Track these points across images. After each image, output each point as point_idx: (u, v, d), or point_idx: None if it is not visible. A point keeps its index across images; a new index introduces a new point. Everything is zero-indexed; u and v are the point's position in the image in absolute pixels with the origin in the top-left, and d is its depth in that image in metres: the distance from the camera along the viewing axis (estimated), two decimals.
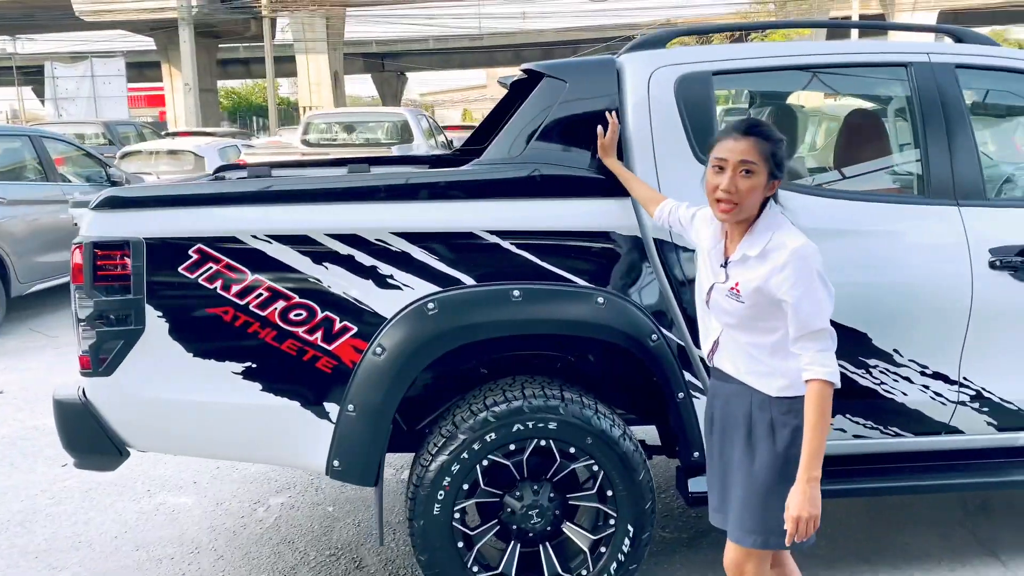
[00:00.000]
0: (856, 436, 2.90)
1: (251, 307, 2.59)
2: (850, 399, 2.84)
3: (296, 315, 2.60)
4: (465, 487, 2.70)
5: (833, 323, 2.69)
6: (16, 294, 7.45)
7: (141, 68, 44.85)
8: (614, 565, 2.78)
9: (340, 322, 2.61)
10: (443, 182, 2.76)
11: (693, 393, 2.74)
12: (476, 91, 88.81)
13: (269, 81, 33.45)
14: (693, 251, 2.53)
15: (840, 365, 2.77)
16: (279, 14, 36.42)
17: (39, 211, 7.82)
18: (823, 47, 3.08)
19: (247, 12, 36.36)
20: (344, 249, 2.61)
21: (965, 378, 2.87)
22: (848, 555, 3.26)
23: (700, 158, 2.68)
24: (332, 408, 2.64)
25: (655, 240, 2.72)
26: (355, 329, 2.61)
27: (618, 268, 2.73)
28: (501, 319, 2.67)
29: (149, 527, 3.67)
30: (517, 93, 3.93)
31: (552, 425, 2.68)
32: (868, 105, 3.74)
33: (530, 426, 2.68)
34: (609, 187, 2.73)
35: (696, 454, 2.77)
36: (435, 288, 2.63)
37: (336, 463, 2.66)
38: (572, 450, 2.72)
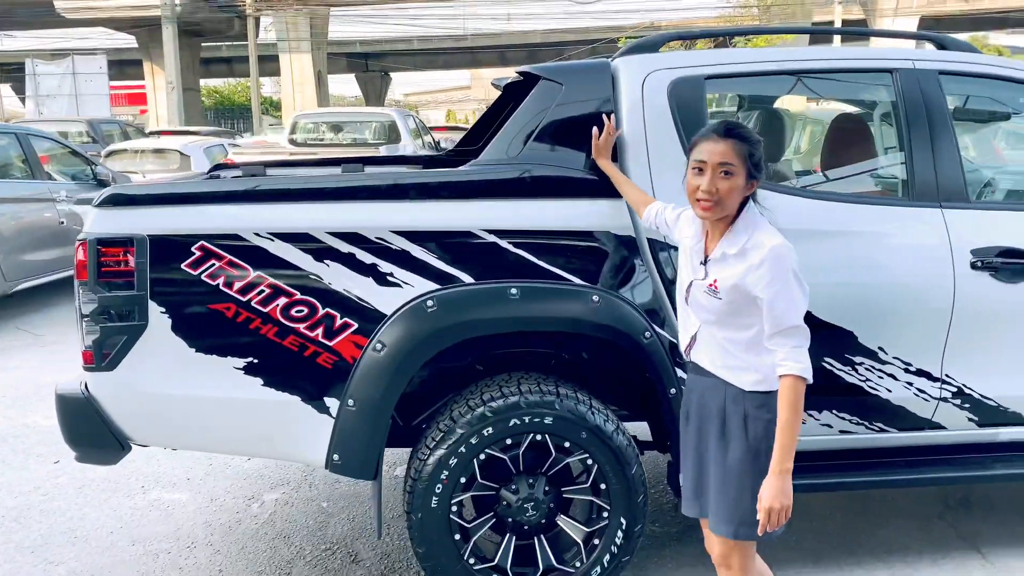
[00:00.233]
0: (842, 431, 2.98)
1: (253, 303, 2.63)
2: (837, 395, 2.92)
3: (297, 312, 2.64)
4: (462, 480, 2.76)
5: (820, 321, 2.81)
6: (2, 293, 7.43)
7: (122, 66, 44.50)
8: (607, 557, 2.85)
9: (341, 319, 2.66)
10: (442, 182, 2.82)
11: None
12: (460, 92, 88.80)
13: (253, 81, 33.34)
14: None
15: (827, 362, 2.89)
16: (263, 13, 36.29)
17: (26, 209, 7.79)
18: (812, 52, 3.16)
19: (231, 11, 36.21)
20: (345, 247, 2.66)
21: (947, 375, 2.96)
22: (834, 548, 3.35)
23: None
24: (332, 403, 2.69)
25: (648, 240, 2.79)
26: (355, 326, 2.66)
27: (613, 267, 2.79)
28: (499, 316, 2.73)
29: (144, 522, 3.70)
30: (510, 95, 4.00)
31: (548, 420, 2.74)
32: (854, 109, 3.83)
33: (526, 421, 2.74)
34: (604, 188, 2.79)
35: None
36: (434, 286, 2.69)
37: (336, 457, 2.71)
38: (567, 444, 2.78)
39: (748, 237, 2.17)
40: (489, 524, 2.85)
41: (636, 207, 2.73)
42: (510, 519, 2.83)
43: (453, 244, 2.71)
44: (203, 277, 2.62)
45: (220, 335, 2.65)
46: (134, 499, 3.93)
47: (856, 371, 2.90)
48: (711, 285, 2.21)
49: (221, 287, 2.62)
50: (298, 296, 2.64)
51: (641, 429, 3.17)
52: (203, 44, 42.16)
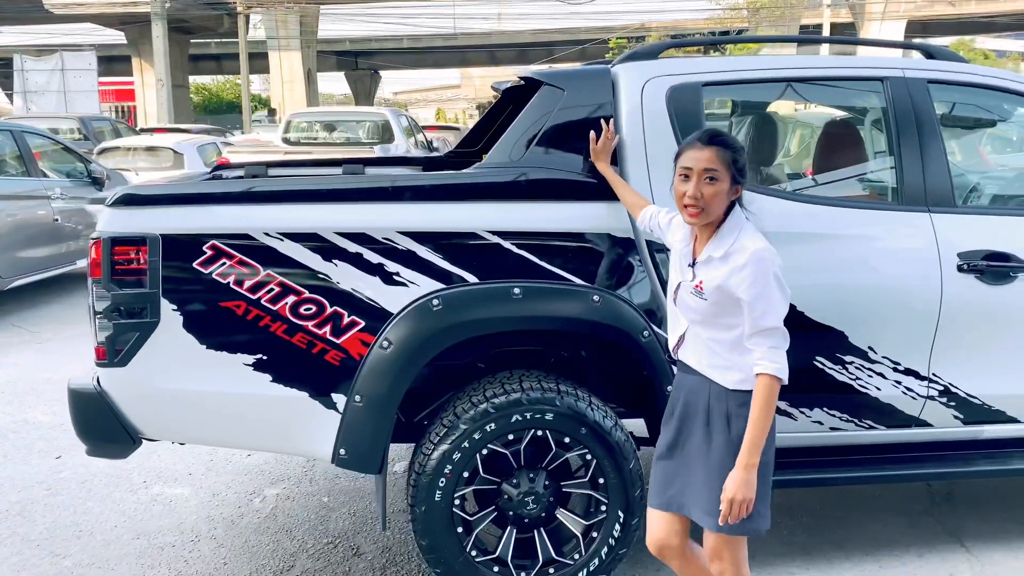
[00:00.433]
0: (833, 428, 3.08)
1: (263, 301, 2.70)
2: (828, 393, 3.02)
3: (306, 310, 2.72)
4: (465, 475, 2.83)
5: (813, 321, 2.91)
6: None
7: (109, 62, 44.32)
8: (605, 549, 2.93)
9: (348, 317, 2.73)
10: (447, 184, 2.90)
11: None
12: (450, 91, 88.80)
13: (244, 79, 33.26)
14: None
15: (819, 361, 2.98)
16: (253, 10, 36.21)
17: (20, 206, 7.82)
18: (805, 61, 3.26)
19: (221, 8, 36.12)
20: (353, 247, 2.73)
21: (934, 374, 3.06)
22: (823, 542, 3.44)
23: None
24: (339, 399, 2.76)
25: (647, 242, 2.87)
26: (362, 324, 2.73)
27: (612, 268, 2.88)
28: (502, 315, 2.81)
29: (148, 517, 3.76)
30: (509, 99, 4.09)
31: (549, 416, 2.82)
32: (845, 116, 3.93)
33: (528, 417, 2.82)
34: (604, 191, 2.88)
35: None
36: (439, 285, 2.76)
37: (342, 451, 2.78)
38: (567, 440, 2.86)
39: (733, 241, 2.25)
40: (491, 517, 2.93)
41: (632, 210, 2.82)
42: (511, 512, 2.91)
43: (458, 245, 2.79)
44: (214, 275, 2.68)
45: (230, 332, 2.72)
46: (137, 494, 3.99)
47: (847, 370, 2.99)
48: (697, 286, 2.29)
49: (232, 285, 2.69)
50: (306, 294, 2.71)
51: (637, 426, 3.26)
52: (192, 41, 42.02)
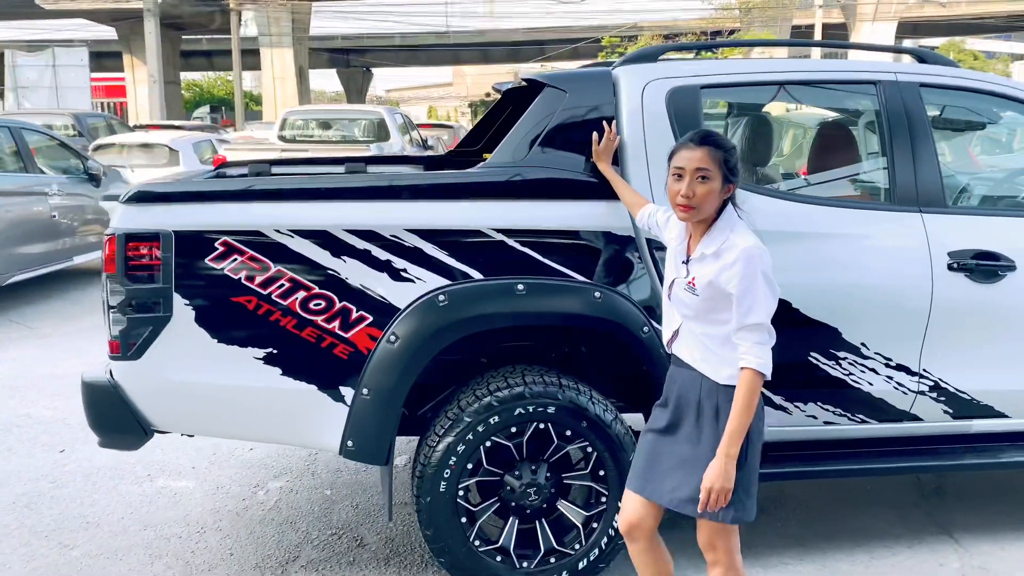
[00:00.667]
0: (826, 422, 3.16)
1: (273, 296, 2.77)
2: (822, 388, 3.10)
3: (315, 304, 2.78)
4: (469, 466, 2.91)
5: (807, 318, 2.99)
6: None
7: (100, 58, 44.20)
8: (604, 539, 3.01)
9: (356, 312, 2.80)
10: (453, 183, 2.97)
11: None
12: (441, 88, 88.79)
13: (236, 75, 33.20)
14: None
15: (813, 357, 3.07)
16: (246, 7, 36.16)
17: (18, 202, 7.84)
18: (801, 64, 3.34)
19: (213, 4, 36.06)
20: (361, 244, 2.80)
21: (925, 370, 3.15)
22: (816, 534, 3.53)
23: None
24: (347, 392, 2.83)
25: (647, 240, 2.95)
26: (370, 318, 2.81)
27: (613, 265, 2.95)
28: (506, 311, 2.88)
29: (153, 509, 3.82)
30: (509, 100, 4.16)
31: (551, 409, 2.90)
32: (839, 118, 4.02)
33: (530, 410, 2.89)
34: (605, 190, 2.95)
35: None
36: (445, 281, 2.84)
37: (350, 443, 2.85)
38: (568, 433, 2.94)
39: (725, 238, 2.32)
40: (493, 508, 3.01)
41: (631, 209, 2.89)
42: (513, 503, 2.99)
43: (463, 242, 2.86)
44: (226, 271, 2.75)
45: (241, 326, 2.78)
46: (142, 486, 4.05)
47: (840, 365, 3.08)
48: (690, 283, 2.36)
49: (243, 281, 2.75)
50: (316, 290, 2.78)
51: (636, 420, 3.33)
52: (183, 37, 41.92)
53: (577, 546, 3.02)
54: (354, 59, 53.77)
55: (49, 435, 4.71)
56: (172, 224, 2.73)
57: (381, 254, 2.81)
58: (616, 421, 2.98)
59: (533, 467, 2.98)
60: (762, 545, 3.42)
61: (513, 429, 2.92)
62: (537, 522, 3.02)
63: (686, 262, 2.41)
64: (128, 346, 2.76)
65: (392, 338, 2.80)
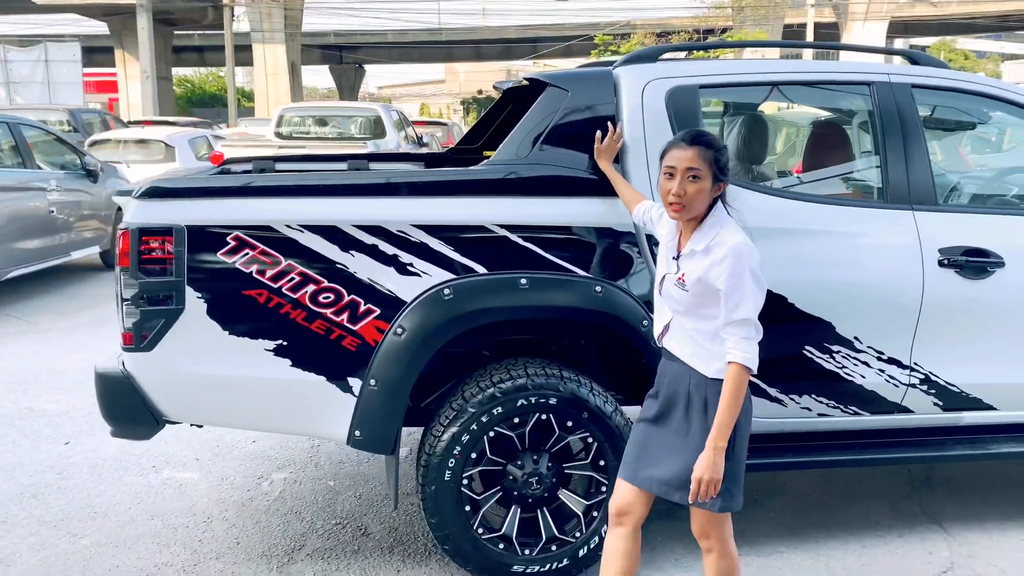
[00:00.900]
0: (820, 414, 3.25)
1: (283, 290, 2.84)
2: (815, 381, 3.19)
3: (324, 298, 2.85)
4: (473, 456, 2.98)
5: (802, 312, 3.08)
6: None
7: (91, 53, 44.03)
8: (604, 528, 3.08)
9: (364, 305, 2.87)
10: (459, 180, 3.05)
11: None
12: (434, 85, 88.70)
13: (229, 71, 33.16)
14: None
15: (807, 350, 3.15)
16: (238, 2, 36.10)
17: (16, 198, 7.87)
18: (797, 66, 3.42)
19: (206, 0, 35.99)
20: (369, 239, 2.87)
21: (916, 363, 3.24)
22: (810, 524, 3.62)
23: None
24: (355, 383, 2.90)
25: (647, 235, 3.03)
26: (378, 311, 2.88)
27: (614, 260, 3.03)
28: (510, 305, 2.96)
29: (159, 499, 3.88)
30: (509, 99, 4.24)
31: (552, 401, 2.98)
32: (833, 118, 4.11)
33: (533, 401, 2.97)
34: (606, 187, 3.03)
35: None
36: (450, 275, 2.91)
37: (357, 433, 2.92)
38: (569, 424, 3.02)
39: (714, 235, 2.39)
40: (496, 497, 3.08)
41: (627, 205, 2.97)
42: (516, 492, 3.07)
43: (468, 237, 2.93)
44: (237, 265, 2.82)
45: (252, 319, 2.85)
46: (147, 477, 4.11)
47: (834, 358, 3.17)
48: (680, 278, 2.43)
49: (254, 274, 2.82)
50: (325, 283, 2.85)
51: (635, 412, 3.40)
52: (175, 32, 41.82)
53: (578, 534, 3.10)
54: (346, 55, 53.72)
55: (53, 428, 4.76)
56: (185, 219, 2.80)
57: (388, 249, 2.88)
58: (616, 412, 3.06)
59: (535, 457, 3.06)
60: (757, 534, 3.51)
61: (516, 420, 2.99)
62: (539, 511, 3.10)
63: (676, 258, 2.47)
64: (141, 338, 2.83)
65: (399, 330, 2.87)
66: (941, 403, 3.31)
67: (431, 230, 2.91)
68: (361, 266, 2.87)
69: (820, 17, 36.50)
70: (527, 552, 3.08)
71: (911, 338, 3.21)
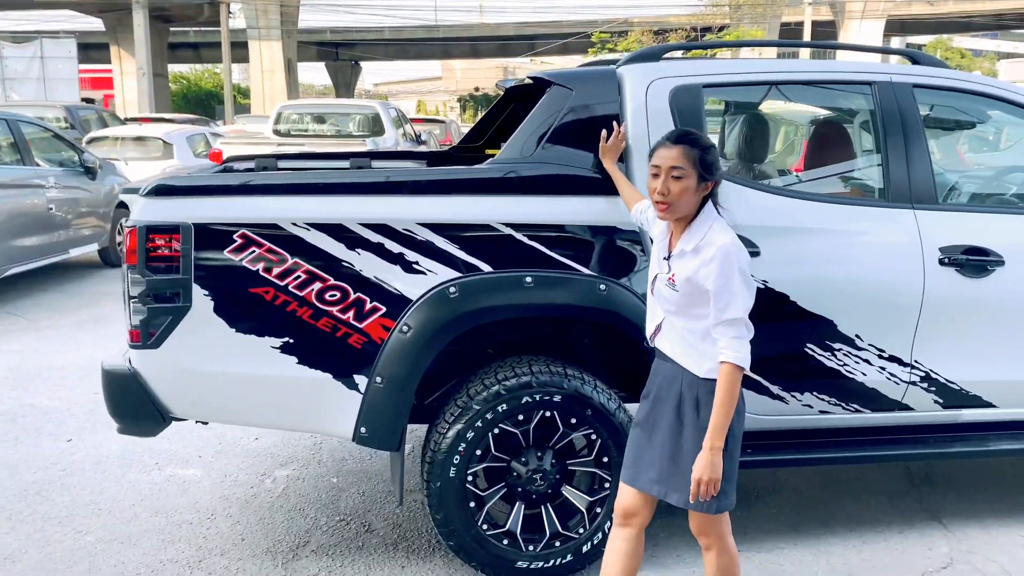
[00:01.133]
0: (822, 412, 3.27)
1: (290, 288, 2.85)
2: (817, 378, 3.21)
3: (331, 296, 2.87)
4: (478, 453, 3.01)
5: (804, 310, 3.10)
6: None
7: (86, 49, 43.88)
8: (608, 524, 3.11)
9: (370, 303, 2.89)
10: (464, 179, 3.06)
11: None
12: (430, 83, 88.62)
13: (225, 68, 33.11)
14: None
15: (809, 348, 3.18)
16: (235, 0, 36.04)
17: (15, 195, 7.86)
18: (799, 65, 3.44)
19: None
20: (375, 237, 2.89)
21: (916, 361, 3.26)
22: (811, 520, 3.65)
23: None
24: (361, 380, 2.92)
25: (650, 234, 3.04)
26: (384, 309, 2.89)
27: (618, 258, 3.05)
28: (515, 303, 2.98)
29: (163, 496, 3.89)
30: (511, 98, 4.25)
31: (556, 398, 3.00)
32: (834, 117, 4.13)
33: (537, 399, 2.99)
34: (610, 186, 3.05)
35: None
36: (456, 274, 2.93)
37: (363, 430, 2.94)
38: (573, 421, 3.04)
39: (703, 236, 2.39)
40: (501, 493, 3.10)
41: (628, 204, 2.98)
42: (520, 488, 3.09)
43: (473, 236, 2.95)
44: (244, 263, 2.83)
45: (259, 316, 2.87)
46: (150, 475, 4.12)
47: (835, 356, 3.19)
48: (670, 279, 2.44)
49: (261, 272, 2.84)
50: (331, 281, 2.87)
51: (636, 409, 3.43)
52: (171, 29, 41.74)
53: (581, 530, 3.12)
54: (343, 52, 53.66)
55: (55, 424, 4.77)
56: (192, 217, 2.81)
57: (394, 247, 2.90)
58: (619, 410, 3.08)
59: (539, 454, 3.08)
60: (758, 531, 3.54)
61: (520, 417, 3.01)
62: (543, 507, 3.12)
63: (667, 258, 2.48)
64: (148, 335, 2.84)
65: (405, 328, 2.89)
66: (941, 400, 3.34)
67: (437, 228, 2.93)
68: (367, 264, 2.88)
69: (817, 15, 36.55)
70: (531, 548, 3.10)
71: (912, 336, 3.23)
